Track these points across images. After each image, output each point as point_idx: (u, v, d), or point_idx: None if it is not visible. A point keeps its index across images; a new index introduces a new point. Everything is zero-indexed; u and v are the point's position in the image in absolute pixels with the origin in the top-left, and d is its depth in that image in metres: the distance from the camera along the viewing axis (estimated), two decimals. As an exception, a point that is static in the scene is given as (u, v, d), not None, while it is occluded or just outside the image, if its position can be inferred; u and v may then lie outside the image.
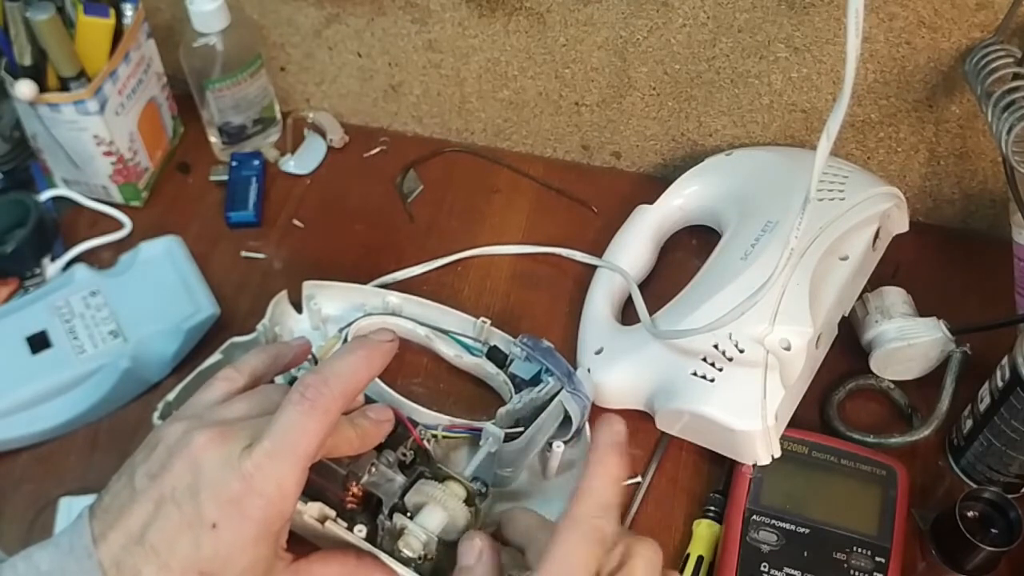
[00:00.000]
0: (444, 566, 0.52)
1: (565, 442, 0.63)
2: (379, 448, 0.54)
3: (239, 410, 0.49)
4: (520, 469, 0.62)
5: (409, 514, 0.53)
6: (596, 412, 0.65)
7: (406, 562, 0.51)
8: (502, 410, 0.62)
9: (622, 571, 0.45)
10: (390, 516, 0.52)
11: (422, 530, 0.51)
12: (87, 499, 0.48)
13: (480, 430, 0.62)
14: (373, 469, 0.54)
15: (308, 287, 0.70)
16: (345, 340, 0.67)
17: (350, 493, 0.52)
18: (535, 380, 0.65)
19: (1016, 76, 0.63)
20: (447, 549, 0.52)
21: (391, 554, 0.51)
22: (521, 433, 0.60)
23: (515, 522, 0.52)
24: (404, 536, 0.51)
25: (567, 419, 0.62)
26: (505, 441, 0.60)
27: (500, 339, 0.69)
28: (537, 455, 0.63)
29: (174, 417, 0.49)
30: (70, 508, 0.62)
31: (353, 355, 0.50)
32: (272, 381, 0.56)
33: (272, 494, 0.45)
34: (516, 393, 0.65)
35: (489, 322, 0.69)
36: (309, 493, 0.49)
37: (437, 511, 0.52)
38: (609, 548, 0.45)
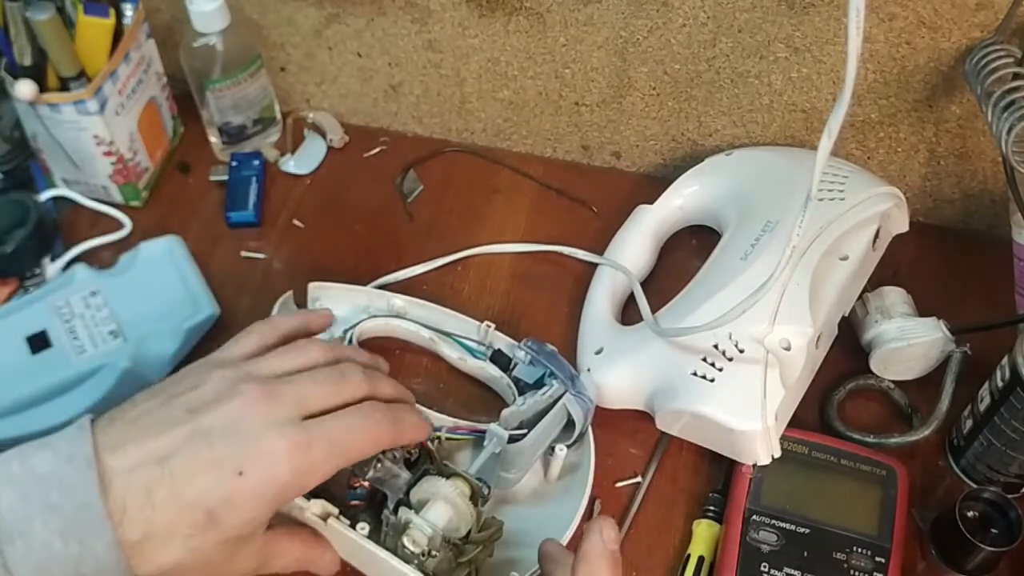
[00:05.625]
0: (445, 566, 0.52)
1: (568, 446, 0.63)
2: None
3: (282, 365, 0.50)
4: (523, 472, 0.62)
5: (414, 509, 0.53)
6: (600, 414, 0.65)
7: (408, 559, 0.51)
8: (506, 412, 0.62)
9: None
10: (395, 511, 0.52)
11: (428, 524, 0.51)
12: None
13: (483, 432, 0.62)
14: (379, 465, 0.53)
15: (313, 288, 0.70)
16: (349, 342, 0.67)
17: (356, 486, 0.53)
18: (539, 384, 0.65)
19: (1016, 76, 0.63)
20: (449, 548, 0.52)
21: (394, 550, 0.51)
22: (525, 435, 0.60)
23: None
24: (409, 530, 0.51)
25: (570, 422, 0.62)
26: (509, 443, 0.60)
27: (504, 343, 0.69)
28: (540, 458, 0.63)
29: (216, 363, 0.50)
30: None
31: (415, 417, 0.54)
32: None
33: (305, 470, 0.46)
34: (519, 397, 0.65)
35: (493, 326, 0.69)
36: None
37: (443, 506, 0.52)
38: None
